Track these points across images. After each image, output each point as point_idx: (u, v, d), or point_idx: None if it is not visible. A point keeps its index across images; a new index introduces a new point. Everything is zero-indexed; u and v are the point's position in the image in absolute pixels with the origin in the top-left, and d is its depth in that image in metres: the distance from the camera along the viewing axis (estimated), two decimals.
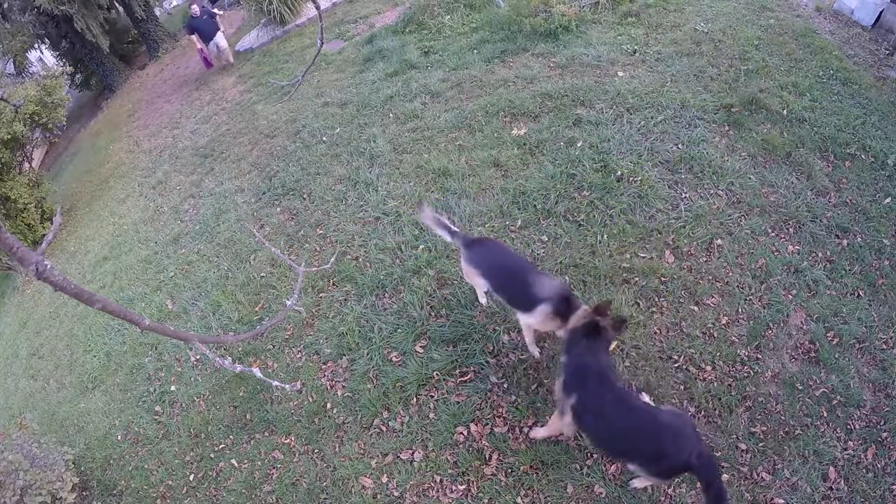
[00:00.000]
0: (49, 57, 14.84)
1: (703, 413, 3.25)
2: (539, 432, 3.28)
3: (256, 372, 2.49)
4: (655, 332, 3.61)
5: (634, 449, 2.65)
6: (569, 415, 2.79)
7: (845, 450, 3.04)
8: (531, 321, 3.22)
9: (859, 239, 3.87)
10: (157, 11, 14.30)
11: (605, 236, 4.14)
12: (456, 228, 3.60)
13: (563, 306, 3.03)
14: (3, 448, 3.87)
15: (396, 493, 3.38)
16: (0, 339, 7.12)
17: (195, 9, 9.30)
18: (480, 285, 3.61)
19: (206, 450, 4.06)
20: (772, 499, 2.93)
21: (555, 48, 6.21)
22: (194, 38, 9.53)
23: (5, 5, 11.41)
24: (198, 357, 4.66)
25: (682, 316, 3.65)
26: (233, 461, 3.92)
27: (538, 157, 4.91)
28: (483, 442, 3.41)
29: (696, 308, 3.68)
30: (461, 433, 3.47)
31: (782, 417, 3.19)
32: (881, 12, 5.51)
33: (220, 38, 9.70)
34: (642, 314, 3.69)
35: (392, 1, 9.33)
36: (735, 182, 4.31)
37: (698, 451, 2.50)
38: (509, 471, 3.27)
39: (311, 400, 3.97)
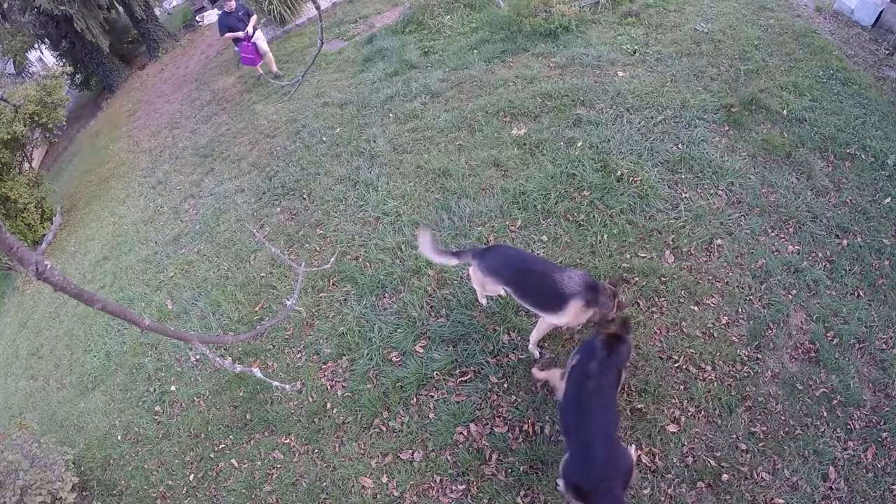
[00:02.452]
0: (49, 57, 14.82)
1: (703, 413, 3.26)
2: (538, 374, 3.39)
3: (256, 372, 2.49)
4: (655, 332, 3.61)
5: (574, 436, 2.73)
6: (564, 381, 2.97)
7: (845, 450, 3.04)
8: (561, 321, 3.16)
9: (859, 239, 3.87)
10: (157, 11, 14.27)
11: (605, 236, 4.14)
12: (456, 249, 3.55)
13: (593, 295, 3.03)
14: (3, 448, 3.87)
15: (396, 493, 3.38)
16: (0, 339, 7.11)
17: (231, 4, 7.95)
18: (493, 293, 3.54)
19: (206, 450, 4.06)
20: (772, 499, 2.93)
21: (555, 48, 6.21)
22: (229, 35, 8.15)
23: (5, 5, 11.39)
24: (198, 357, 4.66)
25: (682, 316, 3.65)
26: (233, 461, 3.92)
27: (538, 157, 4.91)
28: (483, 442, 3.41)
29: (696, 308, 3.68)
30: (461, 433, 3.47)
31: (782, 417, 3.19)
32: (881, 12, 5.51)
33: (260, 40, 8.35)
34: (642, 314, 3.69)
35: (392, 1, 9.32)
36: (735, 182, 4.31)
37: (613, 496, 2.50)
38: (509, 471, 3.27)
39: (311, 400, 3.97)
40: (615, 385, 2.88)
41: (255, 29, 8.18)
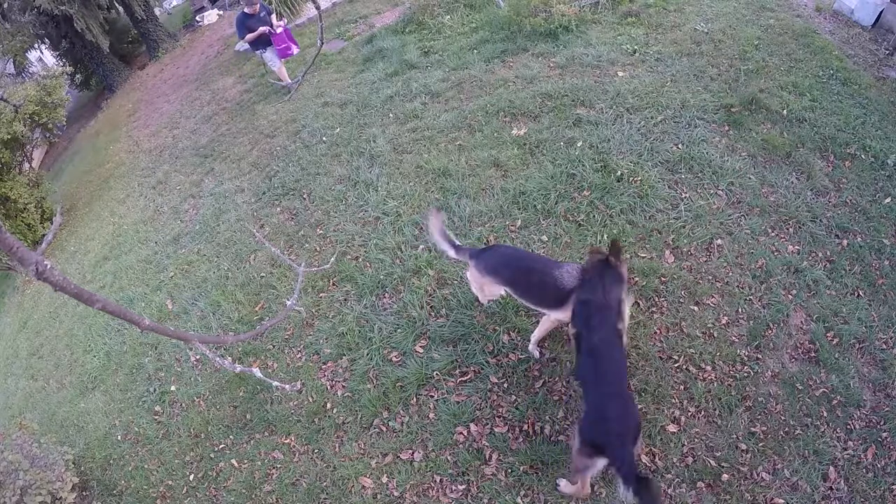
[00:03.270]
0: (49, 57, 14.83)
1: (703, 413, 3.26)
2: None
3: (256, 372, 2.49)
4: (655, 332, 3.61)
5: (588, 372, 2.78)
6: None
7: (845, 450, 3.04)
8: (565, 316, 3.16)
9: (859, 239, 3.87)
10: (157, 11, 14.28)
11: (605, 236, 4.14)
12: (459, 243, 3.51)
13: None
14: (3, 448, 3.87)
15: (396, 493, 3.38)
16: (0, 339, 7.12)
17: (255, 6, 7.37)
18: (493, 295, 3.49)
19: (206, 450, 4.06)
20: (772, 499, 2.93)
21: (555, 48, 6.22)
22: (251, 36, 7.42)
23: (5, 5, 11.39)
24: (198, 357, 4.66)
25: (682, 316, 3.65)
26: (233, 461, 3.92)
27: (538, 157, 4.91)
28: (483, 442, 3.41)
29: (696, 308, 3.68)
30: (461, 433, 3.47)
31: (782, 417, 3.19)
32: (881, 12, 5.51)
33: (272, 54, 7.74)
34: (642, 314, 3.69)
35: (392, 1, 9.33)
36: (735, 182, 4.31)
37: (623, 440, 2.54)
38: (509, 471, 3.27)
39: (311, 400, 3.97)
40: (619, 335, 2.91)
41: (281, 27, 7.60)
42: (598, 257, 2.95)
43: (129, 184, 8.10)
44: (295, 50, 7.83)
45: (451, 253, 3.49)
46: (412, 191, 5.07)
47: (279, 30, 7.51)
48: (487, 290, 3.45)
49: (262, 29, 7.34)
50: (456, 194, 4.83)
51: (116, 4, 12.77)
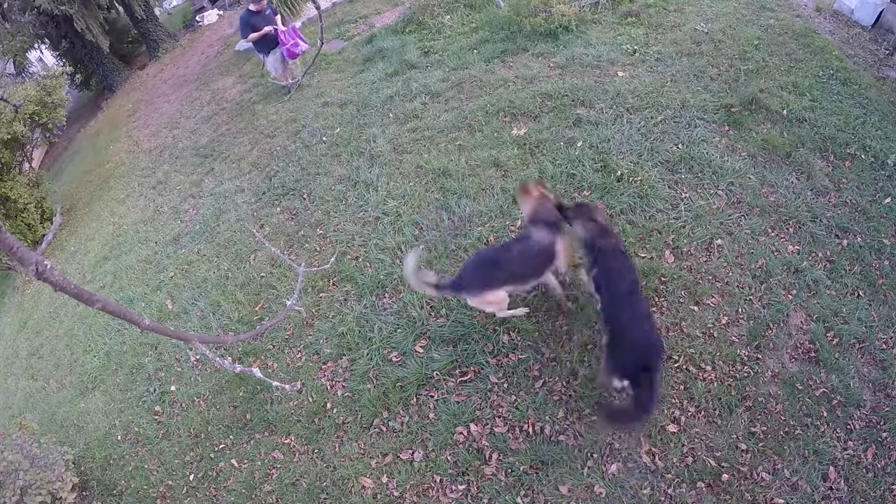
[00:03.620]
0: (49, 57, 14.83)
1: (703, 413, 3.25)
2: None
3: (256, 372, 2.49)
4: None
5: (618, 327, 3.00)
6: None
7: (845, 450, 3.04)
8: (562, 263, 3.44)
9: (859, 239, 3.87)
10: (157, 11, 14.28)
11: None
12: (434, 280, 3.32)
13: (559, 225, 3.34)
14: (3, 448, 3.87)
15: (396, 493, 3.38)
16: (0, 339, 7.11)
17: (262, 2, 7.04)
18: (504, 299, 3.42)
19: (206, 450, 4.06)
20: (772, 499, 2.93)
21: (555, 48, 6.21)
22: (255, 36, 7.10)
23: (5, 5, 11.39)
24: (198, 357, 4.66)
25: (682, 316, 3.65)
26: (233, 461, 3.92)
27: (538, 157, 4.91)
28: (483, 442, 3.41)
29: (696, 308, 3.68)
30: (461, 433, 3.47)
31: (782, 417, 3.19)
32: (881, 12, 5.51)
33: (275, 56, 7.50)
34: None
35: (392, 1, 9.33)
36: (735, 182, 4.31)
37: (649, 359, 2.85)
38: (509, 471, 3.27)
39: (311, 400, 3.97)
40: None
41: (291, 28, 7.37)
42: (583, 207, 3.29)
43: (129, 184, 8.10)
44: (304, 47, 7.46)
45: (433, 292, 3.41)
46: (412, 191, 5.07)
47: (286, 27, 7.26)
48: (493, 298, 3.36)
49: (267, 28, 7.05)
50: (456, 194, 4.82)
51: (116, 4, 12.77)
